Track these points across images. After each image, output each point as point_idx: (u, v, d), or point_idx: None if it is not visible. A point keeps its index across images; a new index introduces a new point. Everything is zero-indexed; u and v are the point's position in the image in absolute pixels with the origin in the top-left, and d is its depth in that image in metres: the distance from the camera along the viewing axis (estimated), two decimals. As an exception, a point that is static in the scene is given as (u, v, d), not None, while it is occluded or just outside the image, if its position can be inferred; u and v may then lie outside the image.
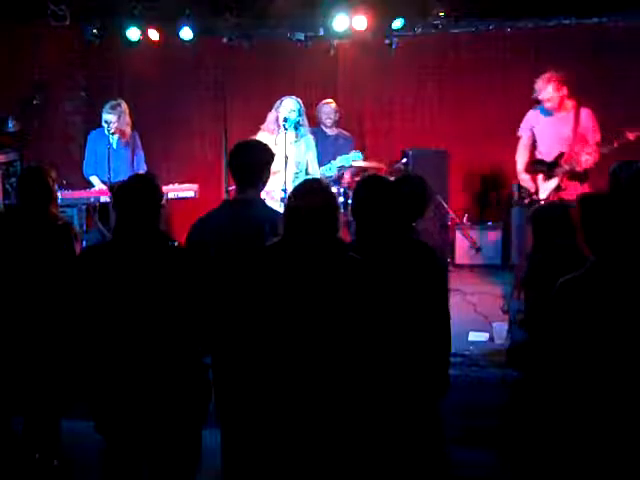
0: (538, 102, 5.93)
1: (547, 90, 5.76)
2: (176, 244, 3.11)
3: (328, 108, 6.83)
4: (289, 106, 5.79)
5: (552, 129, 5.91)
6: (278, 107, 5.82)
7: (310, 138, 5.98)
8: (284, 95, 5.93)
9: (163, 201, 3.13)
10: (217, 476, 3.56)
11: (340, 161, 6.08)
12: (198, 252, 3.31)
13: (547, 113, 5.91)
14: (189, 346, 3.04)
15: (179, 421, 3.03)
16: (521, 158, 6.12)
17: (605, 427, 2.62)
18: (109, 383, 3.00)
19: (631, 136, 5.38)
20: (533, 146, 6.11)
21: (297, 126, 5.81)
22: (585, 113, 5.77)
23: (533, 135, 6.07)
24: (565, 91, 5.79)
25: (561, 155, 5.79)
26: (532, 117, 6.08)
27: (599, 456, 2.66)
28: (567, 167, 5.72)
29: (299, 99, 5.89)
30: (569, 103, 5.83)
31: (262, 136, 5.58)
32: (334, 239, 2.82)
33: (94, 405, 3.06)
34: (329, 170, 6.11)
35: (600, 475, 2.69)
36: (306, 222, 2.76)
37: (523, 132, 6.12)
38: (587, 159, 5.63)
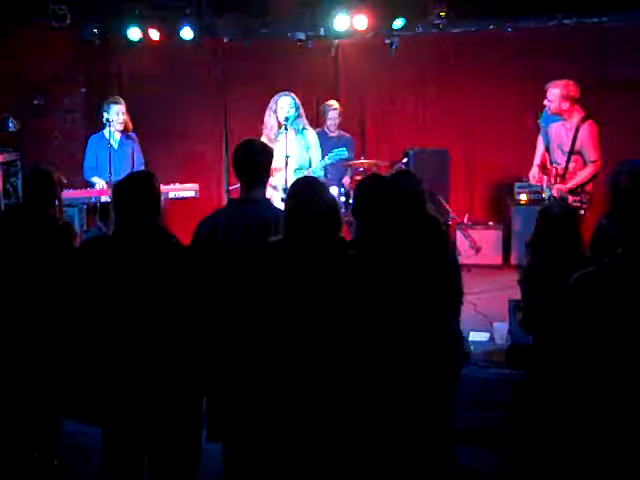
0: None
1: (549, 92, 5.74)
2: (174, 240, 3.11)
3: (335, 113, 6.84)
4: (285, 104, 5.73)
5: (557, 134, 5.81)
6: (274, 108, 5.75)
7: (311, 133, 5.89)
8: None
9: (161, 198, 3.14)
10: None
11: (329, 158, 5.98)
12: (199, 249, 3.32)
13: (554, 118, 5.79)
14: (188, 339, 3.04)
15: (177, 414, 3.03)
16: (537, 157, 5.97)
17: (618, 427, 2.57)
18: (107, 376, 3.00)
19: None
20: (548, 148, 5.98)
21: (295, 122, 5.76)
22: (585, 129, 5.59)
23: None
24: (567, 105, 5.62)
25: (550, 172, 5.74)
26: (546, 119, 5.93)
27: (603, 457, 2.63)
28: (553, 191, 5.66)
29: (292, 94, 5.79)
30: (576, 115, 5.67)
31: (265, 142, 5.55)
32: (334, 238, 2.83)
33: (93, 398, 3.06)
34: (318, 170, 5.99)
35: (603, 476, 2.68)
36: (305, 222, 2.77)
37: (544, 123, 5.95)
38: (560, 187, 5.60)
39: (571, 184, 5.59)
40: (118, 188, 3.12)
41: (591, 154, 5.59)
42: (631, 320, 2.48)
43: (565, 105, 5.68)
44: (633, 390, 2.50)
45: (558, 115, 5.74)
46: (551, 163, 5.87)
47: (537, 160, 5.98)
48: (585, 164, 5.62)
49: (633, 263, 2.50)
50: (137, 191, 3.05)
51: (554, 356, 2.71)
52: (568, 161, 5.65)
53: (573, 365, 2.62)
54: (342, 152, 5.85)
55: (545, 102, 5.77)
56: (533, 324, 3.56)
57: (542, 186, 5.90)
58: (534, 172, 5.97)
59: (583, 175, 5.59)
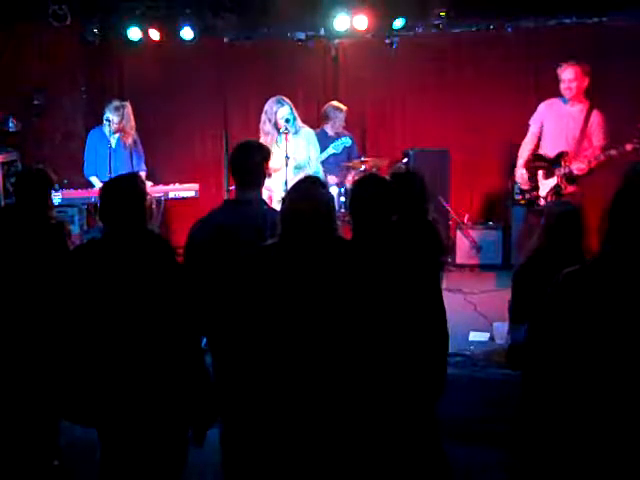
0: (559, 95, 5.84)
1: (568, 72, 5.64)
2: (163, 243, 3.11)
3: (343, 115, 6.80)
4: (284, 113, 5.67)
5: (562, 122, 5.78)
6: (273, 119, 5.70)
7: (305, 131, 5.88)
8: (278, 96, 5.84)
9: (148, 200, 3.13)
10: (217, 472, 3.56)
11: (333, 147, 5.93)
12: (193, 251, 3.33)
13: (563, 101, 5.78)
14: (184, 342, 3.04)
15: (172, 418, 3.03)
16: (525, 151, 5.97)
17: (607, 425, 2.58)
18: (102, 380, 3.00)
19: (629, 147, 5.35)
20: (539, 139, 5.96)
21: (293, 125, 5.74)
22: (596, 115, 5.67)
23: (541, 128, 5.92)
24: (586, 83, 5.67)
25: (563, 154, 5.70)
26: (544, 108, 5.94)
27: (599, 456, 2.64)
28: (566, 170, 5.64)
29: (286, 100, 5.71)
30: (585, 101, 5.73)
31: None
32: (331, 238, 2.84)
33: (89, 402, 3.06)
34: (316, 166, 5.91)
35: (600, 476, 2.68)
36: (301, 224, 2.78)
37: (533, 122, 5.97)
38: (580, 167, 5.59)
39: (590, 164, 5.56)
40: (102, 191, 3.12)
41: (602, 137, 5.62)
42: (617, 317, 2.50)
43: (586, 82, 5.64)
44: (621, 387, 2.51)
45: (573, 99, 5.68)
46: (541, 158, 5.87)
47: (524, 155, 5.95)
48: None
49: (620, 261, 2.52)
50: (120, 195, 3.04)
51: (542, 353, 2.72)
52: (580, 144, 5.64)
53: (562, 362, 2.63)
54: (345, 141, 5.84)
55: (564, 85, 5.67)
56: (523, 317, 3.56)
57: (533, 185, 5.91)
58: (522, 173, 5.95)
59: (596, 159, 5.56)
